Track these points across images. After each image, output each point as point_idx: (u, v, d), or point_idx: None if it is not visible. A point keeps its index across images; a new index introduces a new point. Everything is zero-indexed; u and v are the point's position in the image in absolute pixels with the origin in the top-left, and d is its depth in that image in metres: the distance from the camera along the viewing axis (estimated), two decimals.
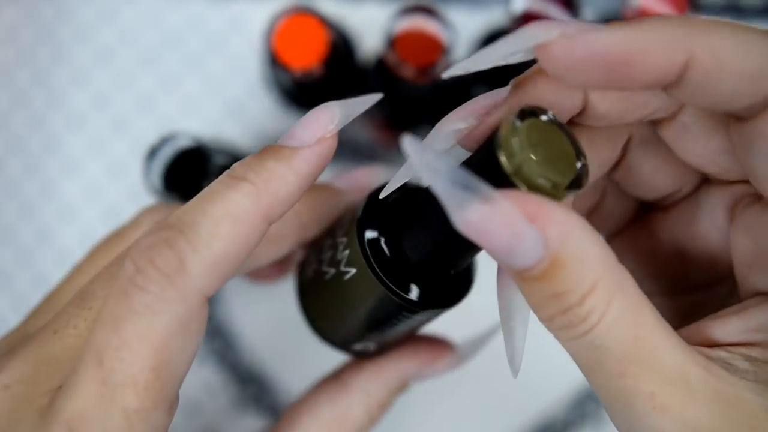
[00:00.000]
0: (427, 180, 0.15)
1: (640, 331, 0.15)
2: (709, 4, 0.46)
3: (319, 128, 0.18)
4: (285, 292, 0.43)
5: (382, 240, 0.20)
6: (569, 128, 0.17)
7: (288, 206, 0.18)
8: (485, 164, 0.16)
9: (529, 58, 0.16)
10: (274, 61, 0.36)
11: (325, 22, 0.36)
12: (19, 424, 0.17)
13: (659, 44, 0.15)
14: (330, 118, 0.18)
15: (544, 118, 0.17)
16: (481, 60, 0.16)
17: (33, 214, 0.46)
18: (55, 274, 0.45)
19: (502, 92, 0.17)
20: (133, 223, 0.22)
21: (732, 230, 0.18)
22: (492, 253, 0.15)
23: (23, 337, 0.20)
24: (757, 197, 0.18)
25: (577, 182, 0.16)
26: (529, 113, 0.16)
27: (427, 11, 0.34)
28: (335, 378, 0.25)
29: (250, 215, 0.17)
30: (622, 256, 0.23)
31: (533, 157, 0.16)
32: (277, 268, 0.28)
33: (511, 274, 0.16)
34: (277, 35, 0.36)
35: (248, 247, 0.17)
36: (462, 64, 0.16)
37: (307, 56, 0.36)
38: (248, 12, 0.47)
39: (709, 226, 0.20)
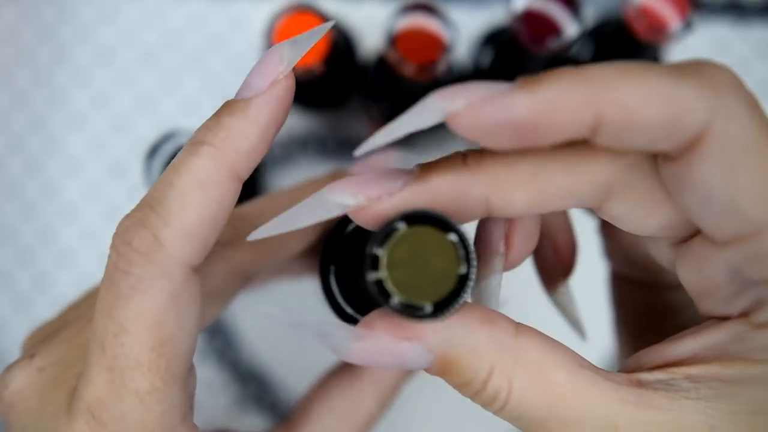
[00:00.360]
0: (304, 337, 0.16)
1: (552, 394, 0.16)
2: (710, 3, 0.46)
3: (269, 72, 0.18)
4: (285, 291, 0.43)
5: (337, 268, 0.21)
6: (462, 233, 0.16)
7: (254, 159, 0.18)
8: (360, 265, 0.16)
9: (439, 122, 0.16)
10: None
11: (325, 20, 0.36)
12: (49, 405, 0.18)
13: (564, 108, 0.15)
14: (279, 59, 0.18)
15: (417, 227, 0.15)
16: (390, 134, 0.16)
17: (33, 214, 0.46)
18: (56, 274, 0.45)
19: (400, 179, 0.17)
20: None
21: (677, 263, 0.18)
22: None
23: (61, 325, 0.20)
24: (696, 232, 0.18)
25: (441, 306, 0.15)
26: (411, 217, 0.15)
27: (428, 9, 0.34)
28: (345, 367, 0.25)
29: (215, 177, 0.17)
30: (615, 248, 0.24)
31: (395, 276, 0.15)
32: (306, 260, 0.29)
33: None
34: (278, 34, 0.36)
35: (222, 209, 0.17)
36: (373, 140, 0.16)
37: (308, 54, 0.36)
38: (248, 11, 0.47)
39: (659, 254, 0.20)
